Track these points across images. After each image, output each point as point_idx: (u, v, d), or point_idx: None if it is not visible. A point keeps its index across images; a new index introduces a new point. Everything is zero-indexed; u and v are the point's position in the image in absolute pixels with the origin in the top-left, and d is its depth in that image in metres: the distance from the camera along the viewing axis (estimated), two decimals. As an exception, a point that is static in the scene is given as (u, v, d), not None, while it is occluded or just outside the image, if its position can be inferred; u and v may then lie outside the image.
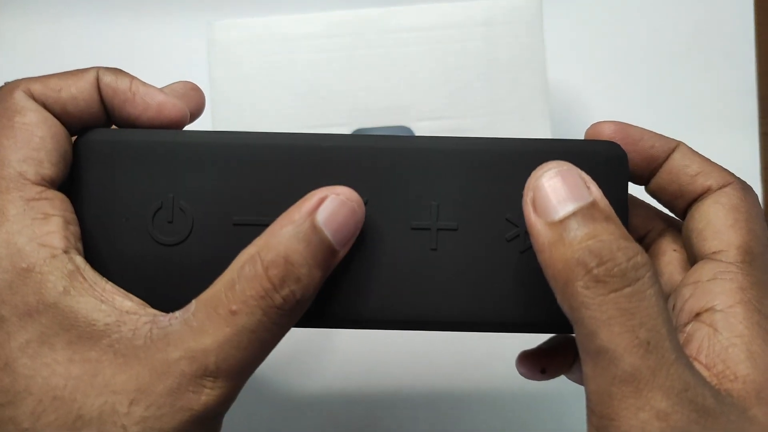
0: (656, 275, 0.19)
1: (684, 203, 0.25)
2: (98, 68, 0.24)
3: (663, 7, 0.46)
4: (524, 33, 0.39)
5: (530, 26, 0.39)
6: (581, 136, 0.25)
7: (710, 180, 0.24)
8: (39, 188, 0.22)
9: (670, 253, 0.25)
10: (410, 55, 0.39)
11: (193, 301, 0.21)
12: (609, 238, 0.19)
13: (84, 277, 0.21)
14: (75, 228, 0.22)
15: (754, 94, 0.45)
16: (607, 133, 0.24)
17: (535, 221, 0.20)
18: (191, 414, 0.20)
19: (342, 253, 0.22)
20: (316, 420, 0.40)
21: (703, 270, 0.23)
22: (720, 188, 0.23)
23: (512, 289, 0.23)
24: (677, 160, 0.24)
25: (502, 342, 0.35)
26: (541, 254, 0.20)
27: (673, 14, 0.46)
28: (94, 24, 0.47)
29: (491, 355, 0.40)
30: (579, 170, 0.21)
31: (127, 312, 0.21)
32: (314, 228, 0.21)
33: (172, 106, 0.24)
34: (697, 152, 0.25)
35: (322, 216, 0.21)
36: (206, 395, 0.20)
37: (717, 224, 0.23)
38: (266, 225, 0.21)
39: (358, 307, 0.23)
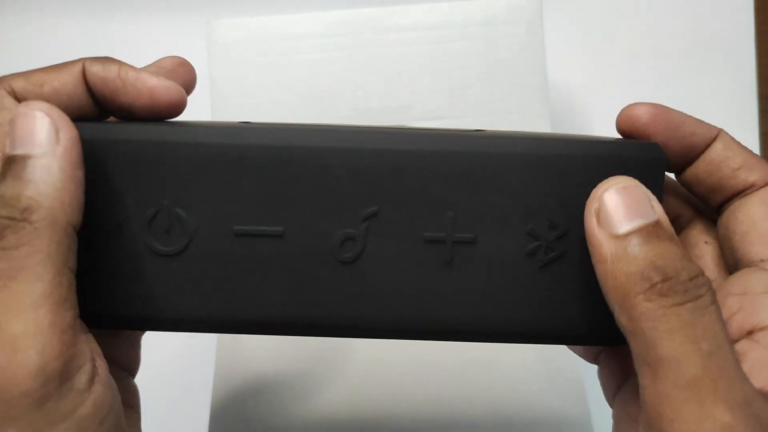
0: (715, 296, 0.19)
1: (722, 198, 0.23)
2: (85, 59, 0.22)
3: (663, 7, 0.46)
4: (524, 33, 0.39)
5: (530, 26, 0.39)
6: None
7: (754, 176, 0.22)
8: None
9: (701, 246, 0.24)
10: (410, 55, 0.39)
11: None
12: (673, 257, 0.19)
13: None
14: None
15: (754, 94, 0.45)
16: (644, 119, 0.22)
17: (598, 232, 0.20)
18: None
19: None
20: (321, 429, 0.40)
21: (752, 279, 0.21)
22: (766, 185, 0.22)
23: (534, 306, 0.22)
24: (718, 150, 0.22)
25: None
26: (601, 265, 0.20)
27: (673, 14, 0.46)
28: (94, 23, 0.47)
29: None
30: (644, 187, 0.20)
31: None
32: None
33: (164, 90, 0.22)
34: (739, 142, 0.23)
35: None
36: None
37: (765, 228, 0.21)
38: (269, 234, 0.20)
39: (367, 321, 0.22)
